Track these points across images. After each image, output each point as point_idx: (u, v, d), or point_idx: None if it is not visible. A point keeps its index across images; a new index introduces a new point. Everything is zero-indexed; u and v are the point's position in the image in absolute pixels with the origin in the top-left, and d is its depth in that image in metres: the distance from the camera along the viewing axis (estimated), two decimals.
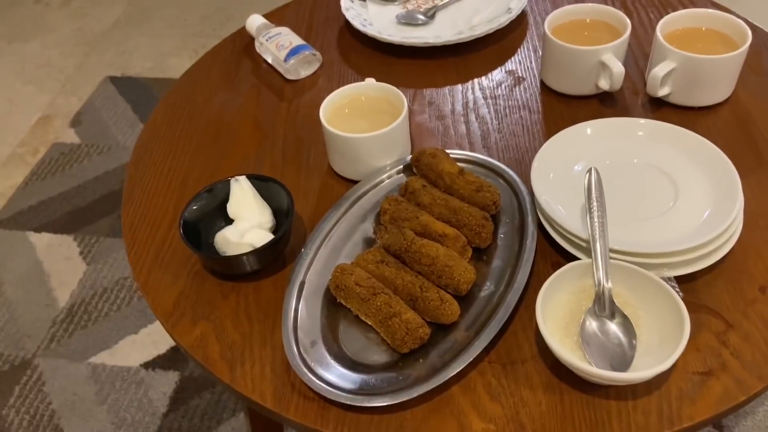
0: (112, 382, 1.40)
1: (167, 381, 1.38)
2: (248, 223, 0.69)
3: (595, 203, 0.62)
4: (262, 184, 0.72)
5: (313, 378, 0.58)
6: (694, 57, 0.75)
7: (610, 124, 0.73)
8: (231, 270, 0.68)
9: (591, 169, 0.64)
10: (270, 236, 0.68)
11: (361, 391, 0.57)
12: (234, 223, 0.70)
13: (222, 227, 0.70)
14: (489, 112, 0.85)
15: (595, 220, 0.61)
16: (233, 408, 1.33)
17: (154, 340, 1.46)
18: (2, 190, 1.86)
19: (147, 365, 1.42)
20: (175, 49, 2.30)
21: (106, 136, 1.98)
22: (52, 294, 1.59)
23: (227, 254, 0.67)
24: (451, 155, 0.74)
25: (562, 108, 0.84)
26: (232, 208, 0.71)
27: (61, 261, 1.65)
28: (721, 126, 0.79)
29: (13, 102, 2.17)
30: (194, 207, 0.70)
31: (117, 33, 2.42)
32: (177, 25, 2.42)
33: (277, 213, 0.71)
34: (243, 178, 0.71)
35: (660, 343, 0.56)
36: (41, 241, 1.72)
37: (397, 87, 0.79)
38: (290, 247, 0.70)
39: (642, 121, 0.73)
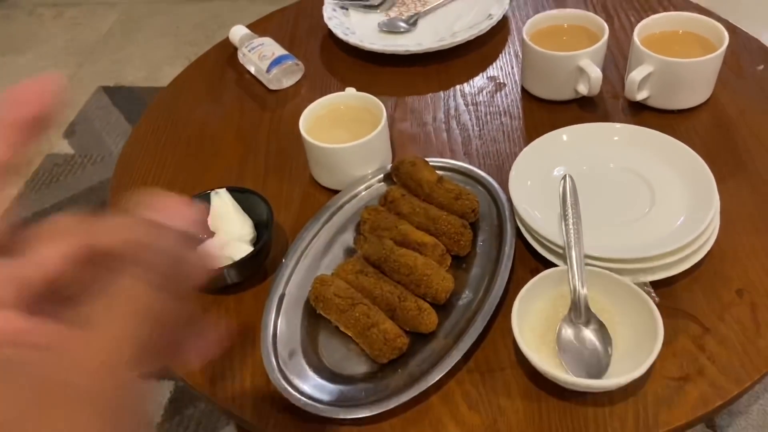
0: None
1: (162, 390, 1.38)
2: (229, 236, 0.70)
3: (570, 210, 0.62)
4: (242, 196, 0.72)
5: (292, 391, 0.58)
6: (671, 60, 0.75)
7: (587, 130, 0.73)
8: (211, 283, 0.69)
9: (565, 176, 0.65)
10: (250, 249, 0.68)
11: (340, 402, 0.58)
12: (214, 236, 0.70)
13: (202, 240, 0.70)
14: (470, 119, 0.86)
15: (570, 227, 0.61)
16: (228, 418, 1.33)
17: None
18: None
19: (141, 375, 1.42)
20: (169, 57, 2.31)
21: (100, 146, 1.99)
22: None
23: None
24: (430, 163, 0.74)
25: (542, 113, 0.84)
26: (212, 221, 0.71)
27: None
28: (701, 129, 0.79)
29: None
30: None
31: (110, 43, 2.43)
32: (170, 33, 2.42)
33: (258, 225, 0.72)
34: (223, 191, 0.72)
35: (636, 348, 0.56)
36: None
37: (380, 95, 0.79)
38: (271, 258, 0.71)
39: (618, 125, 0.73)
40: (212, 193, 0.71)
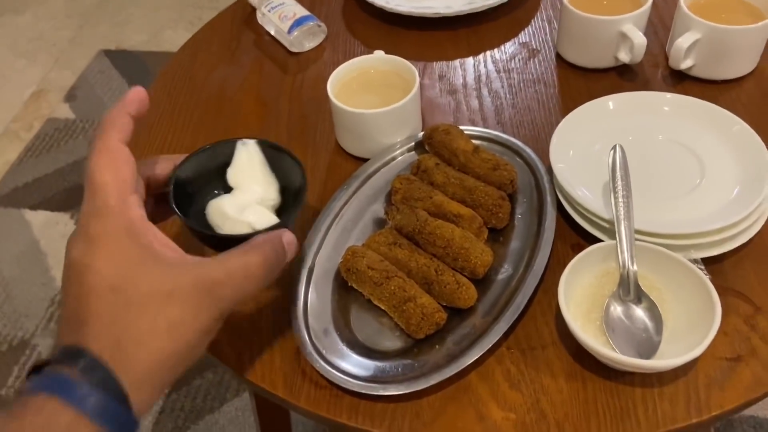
0: None
1: None
2: (250, 196, 0.58)
3: (620, 182, 0.59)
4: (274, 153, 0.60)
5: (326, 365, 0.56)
6: (720, 27, 0.72)
7: (634, 99, 0.69)
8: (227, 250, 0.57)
9: (615, 146, 0.61)
10: (273, 217, 0.57)
11: (375, 378, 0.55)
12: (232, 192, 0.59)
13: (218, 195, 0.59)
14: (502, 87, 0.82)
15: (620, 200, 0.58)
16: (236, 388, 1.32)
17: None
18: None
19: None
20: (171, 21, 2.24)
21: (101, 111, 1.94)
22: (49, 273, 1.56)
23: (223, 231, 0.56)
24: (464, 132, 0.71)
25: (579, 82, 0.81)
26: (233, 175, 0.59)
27: (57, 239, 1.63)
28: (746, 100, 0.76)
29: (6, 76, 2.11)
30: (189, 165, 0.58)
31: (111, 4, 2.36)
32: None
33: (284, 191, 0.60)
34: (252, 143, 0.59)
35: (688, 328, 0.54)
36: (37, 219, 1.69)
37: (406, 60, 0.75)
38: (297, 227, 0.66)
39: (668, 95, 0.70)
40: (239, 143, 0.59)
